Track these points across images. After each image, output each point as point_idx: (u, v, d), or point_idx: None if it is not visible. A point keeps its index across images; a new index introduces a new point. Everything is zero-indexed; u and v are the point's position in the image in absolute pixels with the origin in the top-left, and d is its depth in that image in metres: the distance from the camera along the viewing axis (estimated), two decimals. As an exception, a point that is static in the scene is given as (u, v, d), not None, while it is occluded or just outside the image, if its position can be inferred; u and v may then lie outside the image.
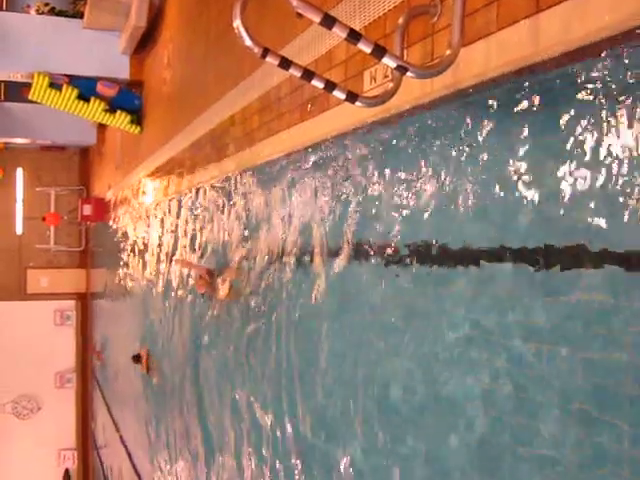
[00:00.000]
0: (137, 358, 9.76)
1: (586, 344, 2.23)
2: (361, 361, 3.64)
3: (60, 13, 14.17)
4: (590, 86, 2.24)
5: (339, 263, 3.94)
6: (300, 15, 2.26)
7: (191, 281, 7.48)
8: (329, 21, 2.20)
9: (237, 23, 2.61)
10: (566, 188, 2.32)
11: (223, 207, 6.45)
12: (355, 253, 3.77)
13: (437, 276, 3.03)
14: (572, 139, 2.30)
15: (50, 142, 17.50)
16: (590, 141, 2.22)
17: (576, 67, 2.27)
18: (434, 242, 3.03)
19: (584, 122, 2.25)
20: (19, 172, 18.78)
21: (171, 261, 8.43)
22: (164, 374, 8.96)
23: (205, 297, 6.91)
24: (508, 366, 2.54)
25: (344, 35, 2.24)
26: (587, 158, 2.23)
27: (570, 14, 2.22)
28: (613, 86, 2.16)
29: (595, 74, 2.21)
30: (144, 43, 10.13)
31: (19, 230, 18.94)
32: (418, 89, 2.94)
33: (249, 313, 5.60)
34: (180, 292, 8.07)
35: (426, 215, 3.09)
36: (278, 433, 4.85)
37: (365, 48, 2.27)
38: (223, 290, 6.40)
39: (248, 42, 2.59)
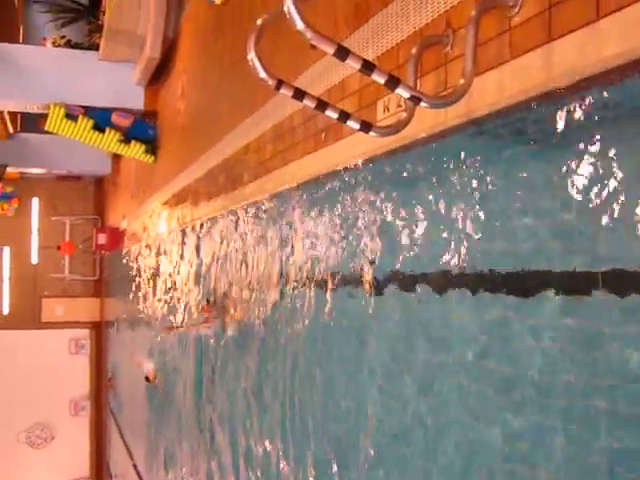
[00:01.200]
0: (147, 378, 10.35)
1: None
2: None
3: (76, 45, 14.41)
4: (607, 113, 2.24)
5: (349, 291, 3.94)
6: (314, 47, 2.27)
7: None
8: (343, 53, 2.21)
9: (251, 55, 2.64)
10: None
11: (233, 236, 6.52)
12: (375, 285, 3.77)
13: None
14: (589, 166, 2.29)
15: (66, 172, 17.68)
16: (608, 168, 2.21)
17: (591, 94, 2.27)
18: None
19: (602, 149, 2.24)
20: (35, 202, 18.95)
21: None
22: (171, 393, 9.24)
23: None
24: None
25: (358, 66, 2.25)
26: (611, 185, 2.22)
27: (584, 41, 2.22)
28: (630, 113, 2.16)
29: (612, 100, 2.22)
30: (158, 74, 10.25)
31: (34, 259, 19.06)
32: (432, 118, 2.95)
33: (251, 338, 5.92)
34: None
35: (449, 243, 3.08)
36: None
37: (379, 79, 2.29)
38: (226, 318, 6.65)
39: (262, 74, 2.62)
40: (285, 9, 2.19)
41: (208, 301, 7.18)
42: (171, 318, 9.36)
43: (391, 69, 3.39)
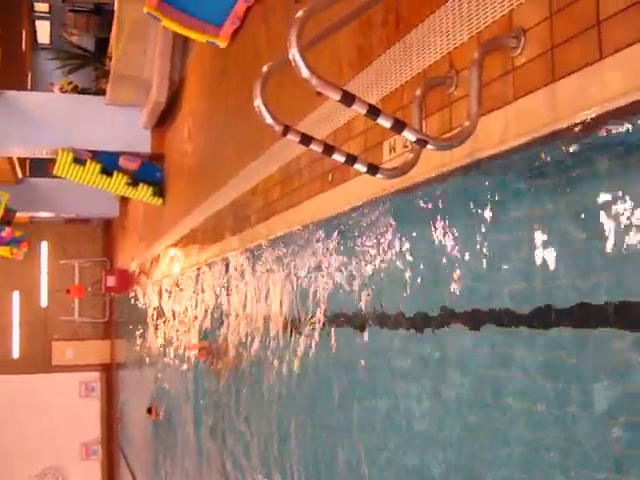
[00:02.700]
0: (149, 410, 11.26)
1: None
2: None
3: (83, 91, 14.62)
4: (612, 152, 2.24)
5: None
6: (320, 94, 2.30)
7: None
8: (349, 99, 2.23)
9: (258, 102, 2.67)
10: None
11: (236, 278, 6.60)
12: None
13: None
14: (597, 207, 2.29)
15: (74, 215, 17.78)
16: (619, 209, 2.21)
17: (596, 133, 2.27)
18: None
19: (608, 189, 2.24)
20: (44, 245, 19.05)
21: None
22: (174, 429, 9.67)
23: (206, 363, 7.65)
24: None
25: (364, 111, 2.26)
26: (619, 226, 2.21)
27: (588, 81, 2.24)
28: (636, 151, 2.16)
29: (617, 140, 2.22)
30: (164, 117, 10.36)
31: (44, 303, 19.11)
32: (438, 159, 2.96)
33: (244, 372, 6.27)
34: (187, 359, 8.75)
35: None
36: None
37: (385, 123, 2.30)
38: (222, 358, 7.05)
39: (269, 120, 2.65)
40: (290, 57, 2.22)
41: (205, 345, 7.45)
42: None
43: (395, 110, 3.42)
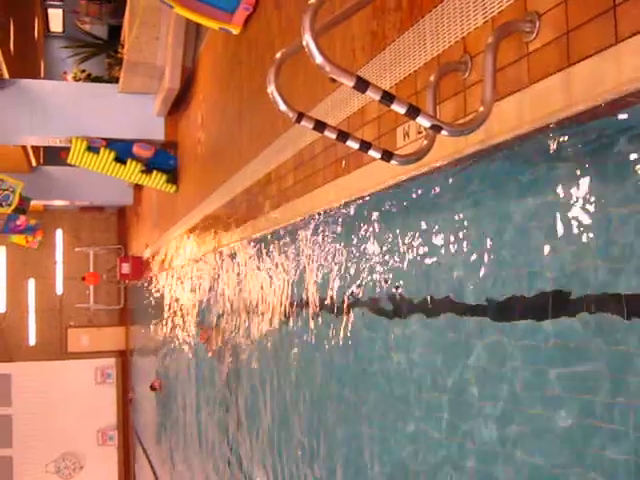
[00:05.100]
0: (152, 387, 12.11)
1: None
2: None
3: (96, 79, 14.62)
4: (628, 136, 2.23)
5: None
6: (334, 80, 2.29)
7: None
8: (362, 85, 2.22)
9: (271, 89, 2.67)
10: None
11: (247, 264, 6.68)
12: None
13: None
14: (609, 190, 2.28)
15: (88, 203, 17.86)
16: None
17: (611, 118, 2.26)
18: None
19: (623, 173, 2.23)
20: (59, 233, 19.16)
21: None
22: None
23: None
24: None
25: (378, 97, 2.25)
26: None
27: (603, 66, 2.22)
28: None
29: (632, 124, 2.21)
30: (178, 104, 10.37)
31: (59, 290, 19.24)
32: (452, 145, 2.95)
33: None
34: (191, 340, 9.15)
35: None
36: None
37: (399, 109, 2.29)
38: (217, 342, 7.53)
39: (283, 107, 2.64)
40: (304, 43, 2.21)
41: (203, 326, 7.81)
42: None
43: (409, 96, 3.41)
